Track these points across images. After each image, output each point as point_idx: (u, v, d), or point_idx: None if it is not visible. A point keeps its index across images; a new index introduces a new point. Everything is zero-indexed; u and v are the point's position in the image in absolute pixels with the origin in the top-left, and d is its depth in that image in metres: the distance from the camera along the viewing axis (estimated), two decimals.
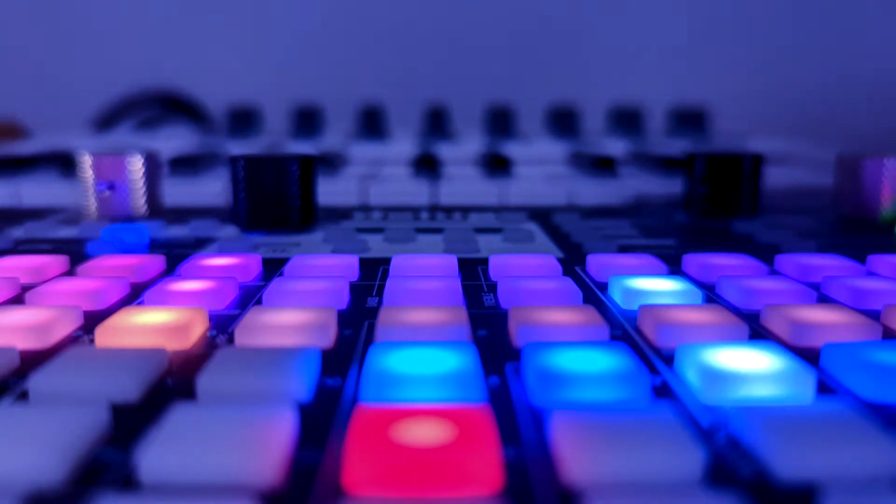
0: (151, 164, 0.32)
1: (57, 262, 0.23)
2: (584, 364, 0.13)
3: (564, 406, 0.12)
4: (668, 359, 0.15)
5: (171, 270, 0.23)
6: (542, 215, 0.34)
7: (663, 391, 0.13)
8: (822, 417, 0.11)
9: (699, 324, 0.16)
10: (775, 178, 0.40)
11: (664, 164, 0.43)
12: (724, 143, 0.54)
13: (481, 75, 0.76)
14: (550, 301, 0.18)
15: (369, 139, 0.55)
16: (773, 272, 0.23)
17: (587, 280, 0.22)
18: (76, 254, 0.25)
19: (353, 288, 0.21)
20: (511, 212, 0.35)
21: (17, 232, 0.30)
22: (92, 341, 0.16)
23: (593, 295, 0.20)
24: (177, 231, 0.30)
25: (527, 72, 0.77)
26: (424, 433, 0.10)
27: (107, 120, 0.67)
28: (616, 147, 0.51)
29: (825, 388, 0.14)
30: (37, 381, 0.13)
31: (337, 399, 0.13)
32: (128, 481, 0.10)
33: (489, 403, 0.13)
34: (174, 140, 0.53)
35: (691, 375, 0.14)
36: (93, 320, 0.17)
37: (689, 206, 0.32)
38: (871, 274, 0.22)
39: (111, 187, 0.31)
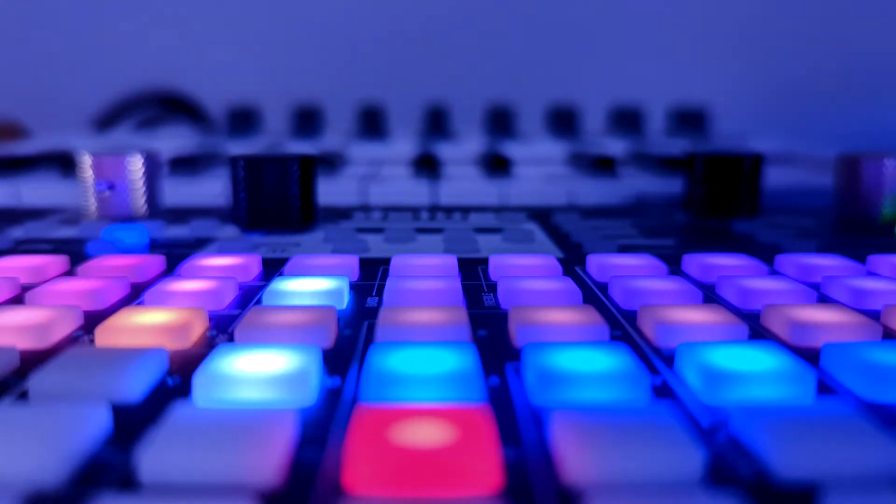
0: (151, 164, 0.32)
1: (57, 262, 0.23)
2: (584, 364, 0.13)
3: (564, 406, 0.12)
4: (668, 359, 0.15)
5: (171, 270, 0.23)
6: (542, 215, 0.34)
7: (663, 391, 0.13)
8: (822, 417, 0.11)
9: (699, 324, 0.16)
10: (775, 178, 0.40)
11: (664, 164, 0.43)
12: (724, 143, 0.54)
13: (481, 75, 0.76)
14: (550, 301, 0.18)
15: (369, 139, 0.55)
16: (773, 272, 0.23)
17: (587, 280, 0.22)
18: (76, 254, 0.25)
19: (353, 288, 0.21)
20: (511, 212, 0.35)
21: (17, 232, 0.30)
22: (92, 341, 0.16)
23: (593, 295, 0.20)
24: (177, 231, 0.30)
25: (527, 72, 0.77)
26: (424, 433, 0.10)
27: (107, 120, 0.67)
28: (616, 147, 0.51)
29: (825, 388, 0.14)
30: (37, 381, 0.13)
31: (337, 399, 0.13)
32: (128, 481, 0.10)
33: (489, 403, 0.13)
34: (174, 140, 0.53)
35: (691, 375, 0.14)
36: (93, 320, 0.17)
37: (689, 206, 0.32)
38: (871, 274, 0.22)
39: (111, 187, 0.31)
